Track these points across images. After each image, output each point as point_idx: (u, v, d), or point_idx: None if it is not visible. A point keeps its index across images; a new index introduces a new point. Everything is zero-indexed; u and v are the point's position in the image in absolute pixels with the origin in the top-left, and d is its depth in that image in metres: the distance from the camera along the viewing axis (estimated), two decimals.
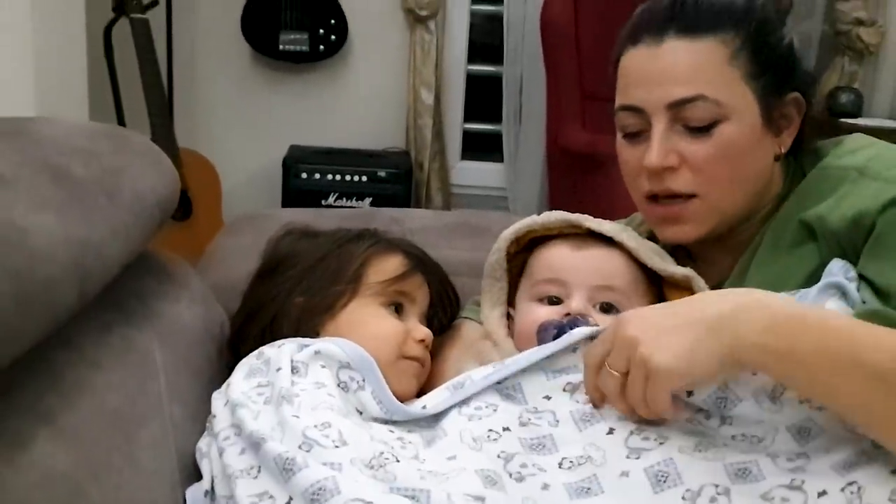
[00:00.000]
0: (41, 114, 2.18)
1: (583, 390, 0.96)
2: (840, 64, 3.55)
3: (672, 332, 0.87)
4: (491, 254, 1.20)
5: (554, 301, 1.12)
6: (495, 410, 0.97)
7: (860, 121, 3.32)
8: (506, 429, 0.95)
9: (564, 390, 0.97)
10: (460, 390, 1.00)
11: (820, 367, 0.82)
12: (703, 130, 1.07)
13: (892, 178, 1.01)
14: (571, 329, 1.01)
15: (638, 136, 1.11)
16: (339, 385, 1.00)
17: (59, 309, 0.87)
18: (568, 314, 1.09)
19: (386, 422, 1.00)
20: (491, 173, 3.79)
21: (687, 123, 1.07)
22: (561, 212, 1.17)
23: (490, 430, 0.95)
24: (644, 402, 0.88)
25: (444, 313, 1.24)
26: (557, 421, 0.95)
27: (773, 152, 1.11)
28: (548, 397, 0.97)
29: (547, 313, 1.11)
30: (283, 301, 1.14)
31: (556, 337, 1.03)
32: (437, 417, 1.00)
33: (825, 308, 0.97)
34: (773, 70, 1.08)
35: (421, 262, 1.21)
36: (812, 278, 1.03)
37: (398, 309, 1.16)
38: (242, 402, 0.97)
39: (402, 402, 1.03)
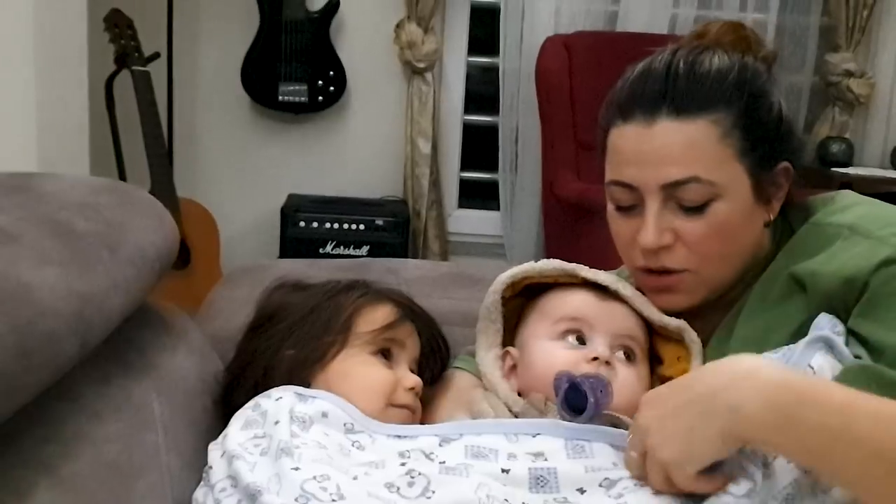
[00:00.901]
0: (43, 165, 2.22)
1: (619, 486, 0.95)
2: (831, 114, 3.60)
3: (673, 415, 0.90)
4: (487, 296, 1.22)
5: (578, 338, 1.13)
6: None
7: (851, 170, 3.35)
8: None
9: (601, 485, 0.95)
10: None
11: (819, 444, 0.84)
12: (697, 209, 1.08)
13: (883, 237, 1.02)
14: (584, 382, 1.03)
15: (631, 209, 1.12)
16: (341, 450, 1.00)
17: (61, 361, 0.89)
18: (595, 358, 1.09)
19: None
20: (488, 221, 3.81)
21: (681, 202, 1.08)
22: (557, 260, 1.19)
23: (505, 501, 0.93)
24: (669, 484, 0.91)
25: (435, 363, 1.26)
26: None
27: (763, 220, 1.13)
28: (581, 490, 0.95)
29: (569, 356, 1.11)
30: (274, 354, 1.15)
31: (567, 390, 1.04)
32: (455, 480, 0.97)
33: (814, 360, 0.98)
34: (764, 144, 1.09)
35: (411, 311, 1.23)
36: (799, 332, 1.04)
37: (387, 355, 1.17)
38: (239, 454, 0.98)
39: None
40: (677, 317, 1.16)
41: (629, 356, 1.13)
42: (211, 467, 1.02)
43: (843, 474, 0.85)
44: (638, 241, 1.10)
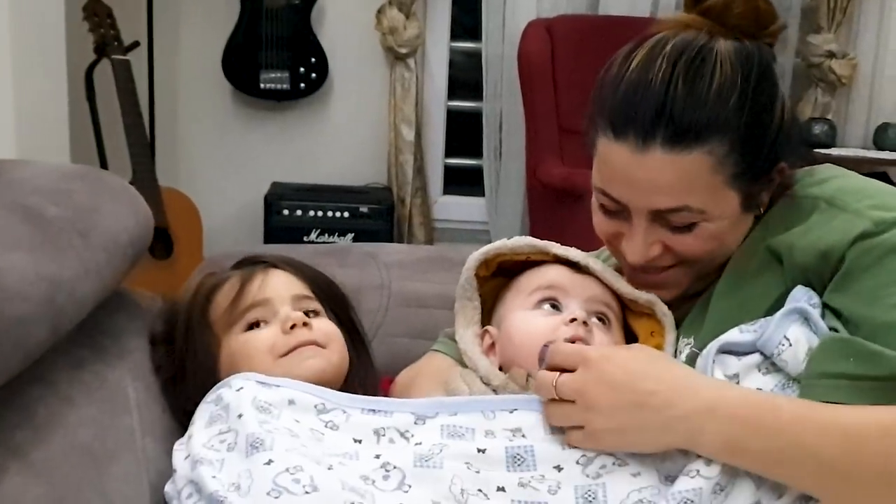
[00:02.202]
0: (22, 156, 2.20)
1: (596, 464, 0.96)
2: (813, 96, 3.60)
3: (628, 412, 0.94)
4: (461, 275, 1.22)
5: (553, 306, 1.13)
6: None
7: (834, 151, 3.36)
8: (500, 489, 0.94)
9: (578, 462, 0.96)
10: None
11: (771, 463, 0.90)
12: (683, 228, 1.06)
13: (859, 211, 1.01)
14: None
15: (616, 213, 1.10)
16: (313, 435, 1.00)
17: (32, 346, 0.89)
18: (573, 319, 1.09)
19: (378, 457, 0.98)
20: (473, 208, 3.81)
21: (669, 223, 1.06)
22: (529, 237, 1.19)
23: (479, 491, 0.93)
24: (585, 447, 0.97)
25: (325, 286, 1.24)
26: (559, 487, 0.94)
27: (754, 215, 1.11)
28: (559, 468, 0.96)
29: (547, 322, 1.11)
30: (182, 371, 1.15)
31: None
32: (440, 455, 0.97)
33: (790, 332, 0.97)
34: (760, 160, 1.06)
35: (255, 261, 1.21)
36: (776, 305, 1.03)
37: (261, 323, 1.15)
38: (202, 458, 0.96)
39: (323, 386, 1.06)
40: None
41: (604, 321, 1.14)
42: (175, 471, 1.00)
43: (801, 486, 0.90)
44: (623, 251, 1.10)
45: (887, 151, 3.40)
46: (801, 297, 1.02)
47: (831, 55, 3.53)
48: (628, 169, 1.04)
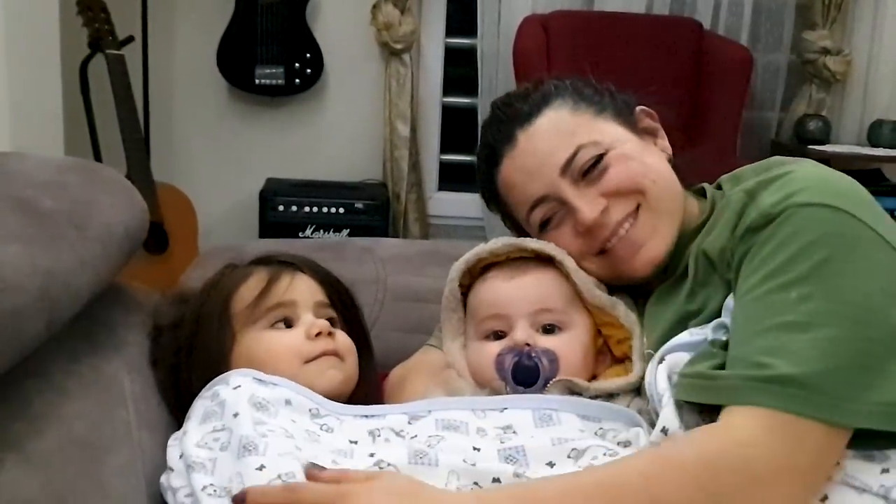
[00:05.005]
0: (16, 150, 2.20)
1: (588, 455, 0.96)
2: (808, 92, 3.60)
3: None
4: (446, 285, 1.22)
5: (500, 335, 1.14)
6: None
7: (828, 147, 3.36)
8: (496, 479, 0.93)
9: (569, 457, 0.96)
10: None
11: None
12: (597, 165, 1.12)
13: (767, 206, 0.99)
14: (528, 357, 1.06)
15: (553, 218, 1.16)
16: (309, 437, 0.99)
17: (27, 338, 0.89)
18: (515, 345, 1.11)
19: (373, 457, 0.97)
20: (468, 204, 3.80)
21: (582, 171, 1.12)
22: (505, 237, 1.20)
23: (475, 484, 0.93)
24: None
25: (343, 295, 1.24)
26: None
27: (664, 155, 1.18)
28: (551, 464, 0.96)
29: (497, 347, 1.13)
30: (187, 366, 1.13)
31: (515, 364, 1.07)
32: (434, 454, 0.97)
33: None
34: (611, 101, 1.19)
35: (282, 263, 1.20)
36: (720, 311, 1.03)
37: (287, 322, 1.14)
38: (195, 463, 0.95)
39: (334, 398, 1.07)
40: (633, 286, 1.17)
41: (551, 330, 1.14)
42: (172, 470, 0.99)
43: None
44: (579, 227, 1.12)
45: (881, 148, 3.40)
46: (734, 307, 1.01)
47: (826, 52, 3.54)
48: (521, 162, 1.16)
